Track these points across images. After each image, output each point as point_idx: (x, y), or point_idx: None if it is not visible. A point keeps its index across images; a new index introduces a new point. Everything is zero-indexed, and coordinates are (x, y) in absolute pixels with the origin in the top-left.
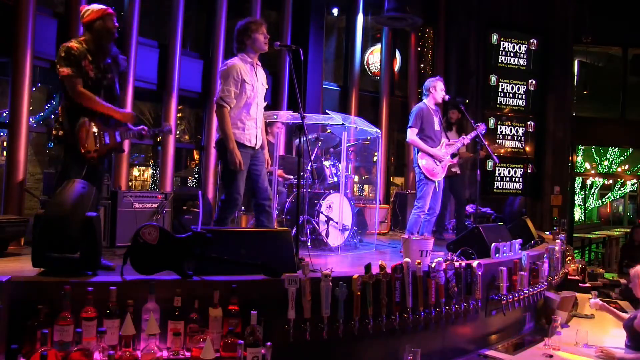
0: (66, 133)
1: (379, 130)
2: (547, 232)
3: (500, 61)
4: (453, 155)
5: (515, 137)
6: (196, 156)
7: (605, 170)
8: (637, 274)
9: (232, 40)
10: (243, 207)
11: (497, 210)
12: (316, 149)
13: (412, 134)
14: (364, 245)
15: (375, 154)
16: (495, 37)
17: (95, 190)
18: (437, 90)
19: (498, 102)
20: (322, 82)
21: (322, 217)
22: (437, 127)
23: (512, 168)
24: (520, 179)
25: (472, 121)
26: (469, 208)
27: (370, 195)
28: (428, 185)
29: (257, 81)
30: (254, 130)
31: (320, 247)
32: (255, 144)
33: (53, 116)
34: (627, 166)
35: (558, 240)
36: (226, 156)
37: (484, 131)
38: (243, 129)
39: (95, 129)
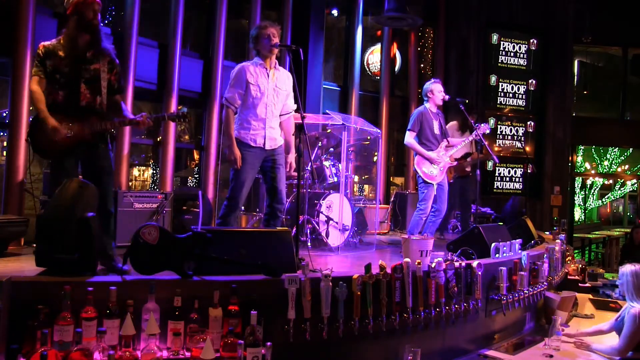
0: None
1: (379, 130)
2: (547, 232)
3: (500, 61)
4: (467, 155)
5: (515, 137)
6: (196, 156)
7: (605, 170)
8: (624, 273)
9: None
10: (242, 207)
11: (497, 210)
12: (316, 149)
13: (409, 137)
14: (364, 245)
15: (375, 154)
16: (495, 37)
17: (95, 189)
18: (435, 93)
19: (498, 102)
20: (322, 82)
21: (322, 217)
22: (436, 130)
23: (512, 168)
24: (520, 179)
25: (473, 121)
26: None
27: (370, 195)
28: (428, 188)
29: (267, 83)
30: (262, 131)
31: (320, 247)
32: (264, 145)
33: None
34: (627, 166)
35: (558, 240)
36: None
37: (487, 131)
38: (249, 129)
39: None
